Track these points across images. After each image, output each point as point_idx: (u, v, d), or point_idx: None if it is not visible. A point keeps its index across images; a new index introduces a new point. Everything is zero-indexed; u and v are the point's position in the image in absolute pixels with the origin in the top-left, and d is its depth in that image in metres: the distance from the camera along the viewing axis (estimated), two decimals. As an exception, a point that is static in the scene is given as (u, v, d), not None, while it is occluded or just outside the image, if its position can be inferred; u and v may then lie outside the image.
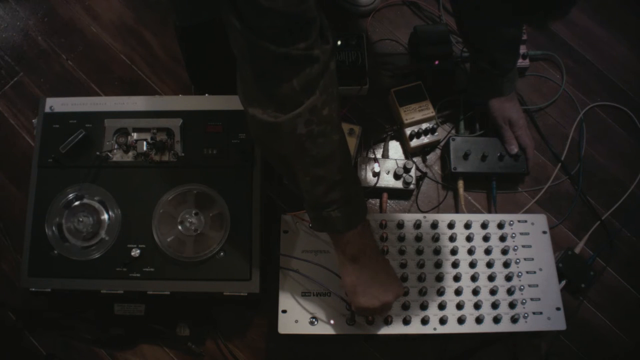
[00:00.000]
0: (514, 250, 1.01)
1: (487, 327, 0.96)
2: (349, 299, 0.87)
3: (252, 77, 0.69)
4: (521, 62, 1.22)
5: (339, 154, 0.75)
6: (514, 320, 0.96)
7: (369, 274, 0.83)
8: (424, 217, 1.03)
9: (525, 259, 1.01)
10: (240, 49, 0.68)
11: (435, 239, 1.01)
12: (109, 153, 1.01)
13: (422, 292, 0.97)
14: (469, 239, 1.02)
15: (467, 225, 1.03)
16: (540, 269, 1.00)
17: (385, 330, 0.95)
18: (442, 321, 0.95)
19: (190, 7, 1.03)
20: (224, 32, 0.69)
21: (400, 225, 1.02)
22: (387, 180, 1.11)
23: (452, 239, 1.02)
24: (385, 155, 1.16)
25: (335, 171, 0.75)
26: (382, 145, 1.18)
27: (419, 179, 1.15)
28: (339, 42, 1.18)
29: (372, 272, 0.83)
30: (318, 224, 0.80)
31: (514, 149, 1.11)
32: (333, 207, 0.76)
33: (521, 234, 1.03)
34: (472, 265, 1.00)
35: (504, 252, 1.01)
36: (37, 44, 1.27)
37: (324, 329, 0.94)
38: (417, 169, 1.15)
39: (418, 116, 1.14)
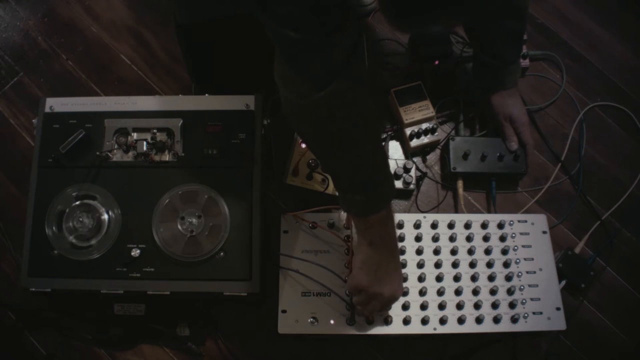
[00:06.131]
0: (514, 250, 1.01)
1: (487, 327, 0.96)
2: (351, 272, 0.89)
3: (282, 59, 0.72)
4: (521, 62, 1.22)
5: (363, 139, 0.76)
6: (514, 320, 0.96)
7: (379, 259, 0.85)
8: (424, 217, 1.03)
9: (525, 259, 1.01)
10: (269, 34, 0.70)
11: (435, 239, 1.01)
12: (109, 153, 1.01)
13: (422, 292, 0.97)
14: (468, 239, 1.02)
15: (467, 225, 1.03)
16: (540, 269, 1.00)
17: (385, 330, 0.95)
18: (442, 321, 0.95)
19: (194, 4, 1.02)
20: (226, 31, 0.70)
21: (400, 225, 1.02)
22: (387, 180, 1.11)
23: (452, 239, 1.02)
24: (385, 155, 1.16)
25: (357, 156, 0.76)
26: (382, 145, 1.18)
27: (419, 179, 1.15)
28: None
29: (382, 260, 0.85)
30: (343, 204, 0.83)
31: (514, 146, 1.11)
32: (356, 190, 0.78)
33: (521, 234, 1.03)
34: (472, 265, 1.00)
35: (504, 252, 1.01)
36: (37, 44, 1.27)
37: (324, 329, 0.94)
38: (417, 169, 1.15)
39: (418, 116, 1.14)
